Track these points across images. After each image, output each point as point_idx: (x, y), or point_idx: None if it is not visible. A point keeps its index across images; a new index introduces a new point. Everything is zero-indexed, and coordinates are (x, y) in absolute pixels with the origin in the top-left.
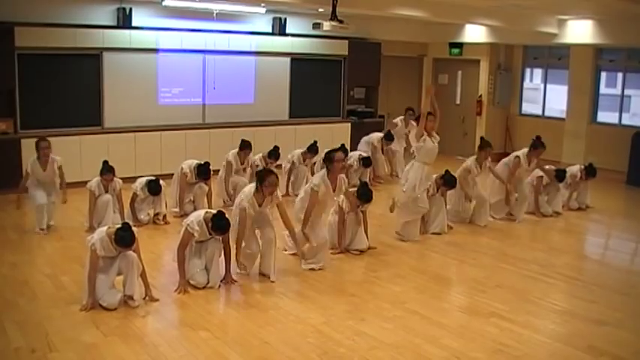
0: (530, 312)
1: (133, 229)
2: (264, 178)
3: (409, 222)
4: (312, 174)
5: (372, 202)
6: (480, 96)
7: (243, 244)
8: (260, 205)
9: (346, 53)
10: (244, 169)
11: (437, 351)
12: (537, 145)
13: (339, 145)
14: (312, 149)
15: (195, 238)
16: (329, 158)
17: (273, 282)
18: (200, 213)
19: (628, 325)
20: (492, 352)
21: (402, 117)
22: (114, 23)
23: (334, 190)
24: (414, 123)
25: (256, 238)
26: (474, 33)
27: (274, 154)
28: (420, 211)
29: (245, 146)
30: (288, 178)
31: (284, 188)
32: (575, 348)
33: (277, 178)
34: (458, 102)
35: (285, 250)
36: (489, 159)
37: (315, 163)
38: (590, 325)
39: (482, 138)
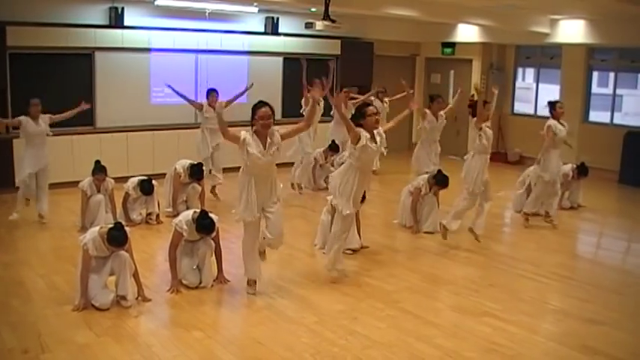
0: (523, 311)
1: (126, 228)
2: (254, 111)
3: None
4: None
5: (365, 201)
6: (473, 95)
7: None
8: (265, 148)
9: (339, 53)
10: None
11: (430, 350)
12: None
13: (330, 142)
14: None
15: (185, 238)
16: (361, 114)
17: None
18: (189, 212)
19: (622, 325)
20: (485, 352)
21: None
22: (106, 23)
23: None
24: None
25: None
26: (467, 33)
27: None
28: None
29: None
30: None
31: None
32: (569, 347)
33: (272, 110)
34: (451, 101)
35: (315, 245)
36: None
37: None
38: (584, 324)
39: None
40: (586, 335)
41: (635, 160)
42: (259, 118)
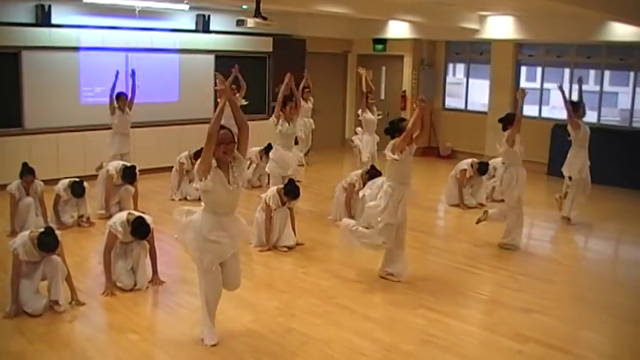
0: (457, 302)
1: (57, 232)
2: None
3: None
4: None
5: (299, 198)
6: (404, 91)
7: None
8: (229, 182)
9: (271, 50)
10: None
11: (367, 344)
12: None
13: (266, 145)
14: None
15: (120, 240)
16: (398, 128)
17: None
18: (123, 214)
19: (552, 312)
20: (421, 344)
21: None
22: (32, 21)
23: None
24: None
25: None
26: (398, 29)
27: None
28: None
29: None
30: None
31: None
32: (502, 336)
33: (231, 132)
34: (382, 97)
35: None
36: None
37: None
38: (516, 313)
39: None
40: (519, 323)
41: (563, 152)
42: (219, 142)
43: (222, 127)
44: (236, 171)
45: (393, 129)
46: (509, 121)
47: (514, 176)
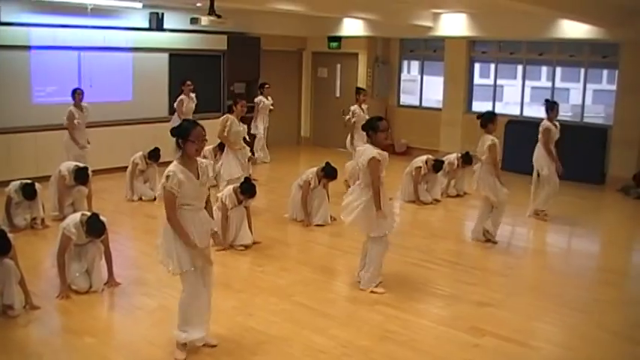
0: (413, 298)
1: (9, 235)
2: (187, 131)
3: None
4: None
5: (255, 196)
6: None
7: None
8: (198, 177)
9: (225, 48)
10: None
11: (325, 341)
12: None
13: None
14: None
15: (74, 242)
16: (373, 127)
17: None
18: (76, 215)
19: (507, 305)
20: (379, 340)
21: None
22: None
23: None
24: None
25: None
26: (352, 27)
27: (154, 155)
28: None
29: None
30: None
31: None
32: (458, 330)
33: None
34: (338, 95)
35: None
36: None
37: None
38: (471, 307)
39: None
40: (474, 317)
41: (516, 147)
42: (195, 139)
43: (197, 123)
44: (203, 171)
45: (369, 126)
46: (490, 119)
47: (492, 174)
